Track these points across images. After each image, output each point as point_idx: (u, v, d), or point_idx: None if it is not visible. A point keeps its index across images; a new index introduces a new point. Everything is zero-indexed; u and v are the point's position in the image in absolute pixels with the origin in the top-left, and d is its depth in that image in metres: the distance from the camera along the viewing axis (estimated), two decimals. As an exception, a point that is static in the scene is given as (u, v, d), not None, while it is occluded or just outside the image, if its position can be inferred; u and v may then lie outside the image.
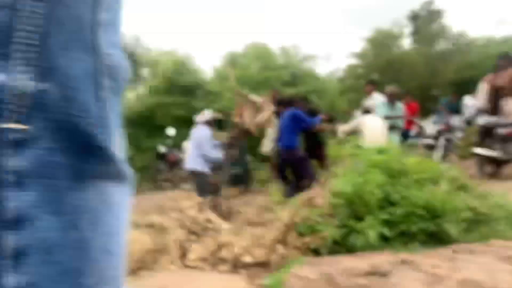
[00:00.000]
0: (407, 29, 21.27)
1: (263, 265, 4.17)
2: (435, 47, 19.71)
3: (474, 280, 2.95)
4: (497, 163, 7.12)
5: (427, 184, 4.45)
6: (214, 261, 4.33)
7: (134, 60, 19.89)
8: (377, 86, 8.08)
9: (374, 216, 4.13)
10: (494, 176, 7.06)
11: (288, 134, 6.27)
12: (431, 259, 3.41)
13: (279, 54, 13.52)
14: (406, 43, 19.45)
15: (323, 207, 4.59)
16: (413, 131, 9.21)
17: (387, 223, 4.14)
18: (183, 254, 4.42)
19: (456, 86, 15.72)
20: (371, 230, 4.01)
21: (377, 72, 19.19)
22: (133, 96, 14.86)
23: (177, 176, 10.15)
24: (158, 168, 11.00)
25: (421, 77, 17.21)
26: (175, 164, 10.47)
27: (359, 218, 4.23)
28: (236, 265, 4.24)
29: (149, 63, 16.20)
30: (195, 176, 7.50)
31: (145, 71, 16.92)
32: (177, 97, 13.67)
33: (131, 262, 4.21)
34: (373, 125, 6.31)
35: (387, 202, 4.29)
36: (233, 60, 14.08)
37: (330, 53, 13.73)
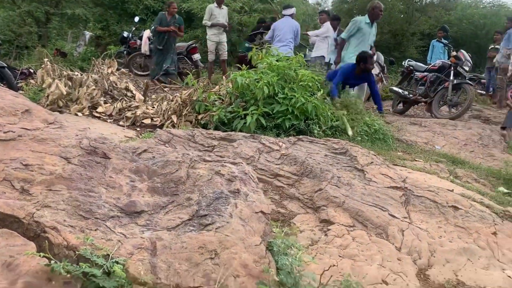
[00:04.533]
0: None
1: (157, 128, 4.91)
2: (420, -2, 19.64)
3: (293, 155, 3.72)
4: (408, 102, 7.91)
5: (311, 92, 5.18)
6: (117, 117, 5.08)
7: None
8: (328, 16, 8.63)
9: (258, 107, 4.85)
10: (402, 113, 7.90)
11: None
12: (277, 140, 4.17)
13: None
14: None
15: (221, 94, 5.34)
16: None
17: (267, 115, 4.91)
18: (93, 107, 5.15)
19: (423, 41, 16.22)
20: (251, 117, 4.73)
21: (358, 11, 19.28)
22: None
23: (132, 60, 10.69)
24: (118, 51, 11.41)
25: (396, 23, 17.42)
26: (134, 49, 10.93)
27: (247, 108, 4.95)
28: (135, 124, 5.01)
29: None
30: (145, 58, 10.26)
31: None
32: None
33: (45, 103, 4.91)
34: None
35: (273, 99, 5.01)
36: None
37: None
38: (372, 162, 3.79)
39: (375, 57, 8.82)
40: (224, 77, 6.25)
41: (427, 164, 4.48)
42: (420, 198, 3.07)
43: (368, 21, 6.63)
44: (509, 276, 2.20)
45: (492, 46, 10.08)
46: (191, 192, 1.59)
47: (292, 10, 8.60)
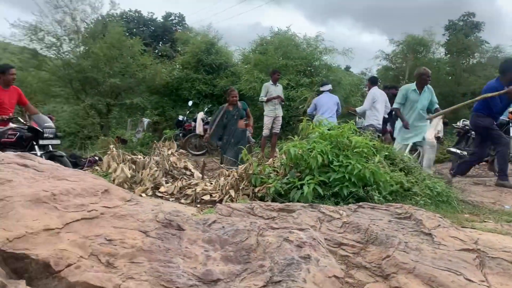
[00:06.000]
0: (443, 37, 21.34)
1: (217, 203, 5.03)
2: (467, 59, 19.67)
3: (355, 223, 3.68)
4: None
5: (366, 158, 5.18)
6: (179, 196, 5.27)
7: (174, 37, 21.14)
8: (370, 83, 9.36)
9: (313, 176, 4.89)
10: (463, 174, 7.61)
11: None
12: (337, 208, 4.14)
13: (302, 44, 14.31)
14: (439, 51, 19.60)
15: (276, 166, 5.45)
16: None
17: (324, 184, 4.92)
18: (156, 188, 5.38)
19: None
20: (308, 187, 4.76)
21: (404, 77, 19.47)
22: (167, 69, 16.02)
23: (188, 141, 11.24)
24: (175, 134, 12.06)
25: (445, 85, 17.36)
26: (189, 131, 11.54)
27: (302, 179, 5.00)
28: (195, 201, 5.16)
29: (183, 41, 17.37)
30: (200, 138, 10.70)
31: (180, 48, 18.13)
32: (203, 74, 14.80)
33: (112, 186, 5.21)
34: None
35: (328, 167, 5.04)
36: (259, 46, 15.00)
37: (349, 49, 13.89)
38: (439, 225, 3.65)
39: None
40: (276, 149, 6.41)
41: (498, 224, 4.25)
42: (496, 260, 2.90)
43: (414, 88, 6.74)
44: None
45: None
46: (263, 259, 1.62)
47: (329, 87, 9.50)
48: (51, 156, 5.59)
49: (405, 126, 6.76)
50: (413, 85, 6.79)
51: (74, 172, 2.11)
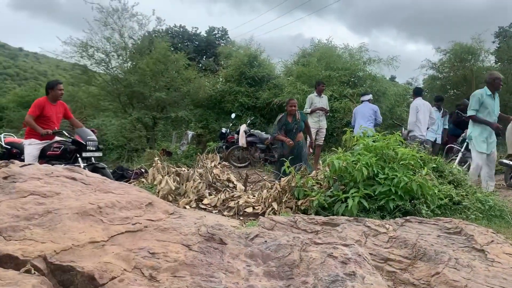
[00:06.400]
0: (493, 45, 20.50)
1: (259, 216, 5.02)
2: (519, 66, 18.77)
3: (402, 237, 3.57)
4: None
5: (413, 170, 5.01)
6: (222, 208, 5.30)
7: (217, 51, 21.51)
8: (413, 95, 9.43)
9: (358, 189, 4.77)
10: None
11: None
12: (383, 222, 4.02)
13: (344, 55, 14.16)
14: (488, 59, 18.80)
15: (319, 178, 5.36)
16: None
17: (369, 197, 4.79)
18: (200, 200, 5.44)
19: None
20: (352, 200, 4.65)
21: (452, 86, 18.83)
22: (210, 82, 16.30)
23: (231, 154, 11.33)
24: (218, 146, 12.21)
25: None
26: (232, 143, 11.63)
27: (347, 191, 4.89)
28: (238, 213, 5.17)
29: (226, 54, 17.63)
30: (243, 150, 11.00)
31: (223, 61, 18.40)
32: (245, 87, 14.93)
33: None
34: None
35: (373, 180, 4.91)
36: (301, 58, 14.99)
37: (394, 58, 13.56)
38: (492, 241, 3.46)
39: None
40: (320, 161, 6.31)
41: (557, 240, 3.97)
42: (557, 279, 2.71)
43: (489, 92, 6.39)
44: None
45: None
46: (306, 275, 1.58)
47: (369, 96, 9.64)
48: (94, 168, 5.79)
49: (497, 127, 6.38)
50: (486, 90, 6.43)
51: (120, 185, 2.15)
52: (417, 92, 9.21)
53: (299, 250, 1.74)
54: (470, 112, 6.44)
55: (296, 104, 7.52)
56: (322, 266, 1.64)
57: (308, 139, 7.85)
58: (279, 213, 4.94)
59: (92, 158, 6.18)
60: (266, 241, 1.83)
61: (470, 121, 6.51)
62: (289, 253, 1.71)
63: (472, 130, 6.51)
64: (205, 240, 1.73)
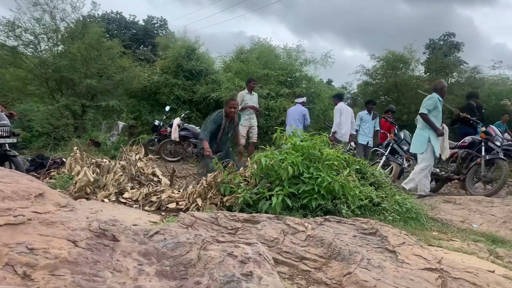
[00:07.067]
0: (423, 55, 21.63)
1: (181, 212, 4.86)
2: (446, 78, 19.93)
3: (319, 237, 3.57)
4: (441, 180, 7.67)
5: (336, 171, 5.10)
6: (143, 203, 5.08)
7: (155, 41, 20.93)
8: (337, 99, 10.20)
9: (283, 188, 4.77)
10: (435, 191, 7.61)
11: None
12: (302, 220, 4.03)
13: (283, 55, 14.29)
14: (418, 69, 19.83)
15: (247, 175, 5.31)
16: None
17: (293, 195, 4.81)
18: (121, 193, 5.18)
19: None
20: (276, 198, 4.64)
21: (384, 93, 19.64)
22: (146, 72, 15.77)
23: (163, 147, 11.03)
24: (150, 139, 11.84)
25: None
26: (165, 137, 11.32)
27: (272, 189, 4.88)
28: (160, 209, 4.98)
29: (164, 45, 17.18)
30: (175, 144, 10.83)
31: (161, 52, 17.92)
32: (182, 80, 14.62)
33: (73, 190, 5.00)
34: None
35: (299, 179, 4.93)
36: (240, 54, 14.92)
37: (327, 54, 13.89)
38: (404, 243, 3.57)
39: (402, 135, 8.87)
40: (248, 158, 6.26)
41: (465, 243, 4.19)
42: (458, 281, 2.82)
43: (441, 99, 6.81)
44: None
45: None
46: (201, 275, 1.49)
47: (302, 99, 10.17)
48: (3, 155, 5.39)
49: (440, 134, 6.68)
50: (438, 96, 6.81)
51: (9, 173, 1.94)
52: (339, 97, 10.22)
53: (198, 248, 1.65)
54: (423, 110, 6.79)
55: (237, 105, 6.93)
56: (220, 265, 1.56)
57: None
58: (203, 209, 4.82)
59: (6, 144, 5.72)
60: (165, 239, 1.71)
61: (420, 122, 6.82)
62: (187, 252, 1.61)
63: (418, 131, 6.93)
64: (95, 236, 1.59)
